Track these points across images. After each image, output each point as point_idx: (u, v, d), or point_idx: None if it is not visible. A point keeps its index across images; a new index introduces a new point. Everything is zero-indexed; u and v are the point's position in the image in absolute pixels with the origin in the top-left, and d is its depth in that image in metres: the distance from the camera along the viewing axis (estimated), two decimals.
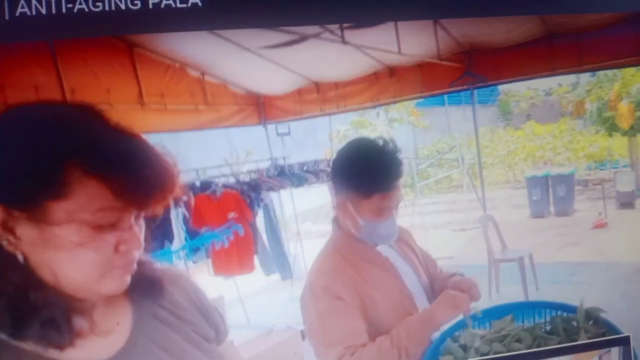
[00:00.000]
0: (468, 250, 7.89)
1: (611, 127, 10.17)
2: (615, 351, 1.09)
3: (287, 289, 5.27)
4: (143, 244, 0.89)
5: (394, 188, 1.61)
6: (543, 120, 16.30)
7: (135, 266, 0.89)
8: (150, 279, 0.96)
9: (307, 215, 9.15)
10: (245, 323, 5.27)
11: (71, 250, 0.79)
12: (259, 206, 5.01)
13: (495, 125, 18.29)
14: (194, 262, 4.72)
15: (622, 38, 4.18)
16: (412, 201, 8.96)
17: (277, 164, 5.71)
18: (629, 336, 1.10)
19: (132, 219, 0.86)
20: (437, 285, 1.85)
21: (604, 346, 1.10)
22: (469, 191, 9.47)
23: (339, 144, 12.32)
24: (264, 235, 5.17)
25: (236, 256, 4.66)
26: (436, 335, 1.60)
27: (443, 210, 11.42)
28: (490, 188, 13.13)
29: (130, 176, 0.81)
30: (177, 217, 4.32)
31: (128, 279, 0.89)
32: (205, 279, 5.16)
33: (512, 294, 5.40)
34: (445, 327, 1.62)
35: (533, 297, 5.28)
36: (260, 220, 5.19)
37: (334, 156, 1.68)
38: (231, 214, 4.66)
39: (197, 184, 4.73)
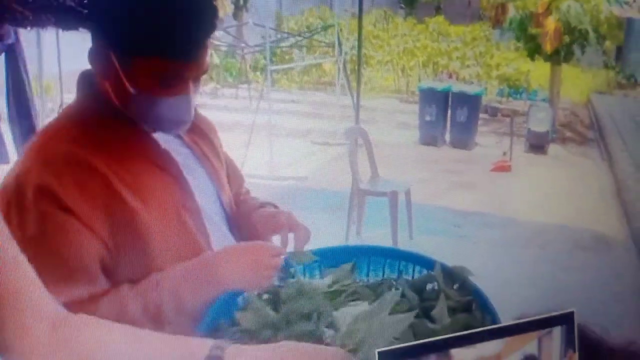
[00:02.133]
0: (329, 171, 7.79)
1: (535, 48, 10.77)
2: (557, 331, 1.08)
3: None
4: None
5: (195, 50, 1.37)
6: (455, 20, 16.91)
7: None
8: None
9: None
10: None
11: None
12: None
13: (394, 10, 18.61)
14: None
15: None
16: (260, 91, 8.67)
17: None
18: (572, 313, 1.07)
19: None
20: (240, 214, 1.70)
21: (544, 326, 1.07)
22: (344, 93, 9.36)
23: None
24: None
25: None
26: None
27: (304, 113, 11.44)
28: (372, 95, 13.38)
29: None
30: None
31: None
32: None
33: (377, 239, 5.43)
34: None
35: (404, 247, 5.34)
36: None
37: None
38: None
39: None
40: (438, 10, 18.17)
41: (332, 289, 1.40)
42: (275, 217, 1.61)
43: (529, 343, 1.04)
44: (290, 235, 1.60)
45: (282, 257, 1.44)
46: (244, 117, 8.11)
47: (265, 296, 1.40)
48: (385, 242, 5.25)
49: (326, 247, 1.56)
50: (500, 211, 6.89)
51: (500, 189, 7.80)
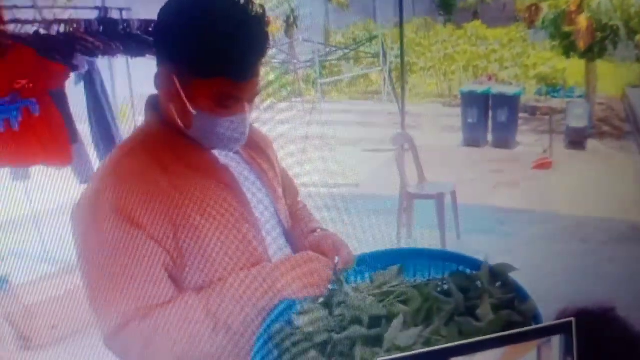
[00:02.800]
0: (379, 177, 7.85)
1: (569, 46, 10.58)
2: (556, 340, 1.06)
3: None
4: None
5: (250, 71, 1.42)
6: (492, 23, 16.65)
7: None
8: None
9: None
10: (41, 253, 4.81)
11: None
12: (68, 74, 4.20)
13: (434, 18, 18.37)
14: None
15: None
16: (312, 104, 8.70)
17: (107, 17, 4.79)
18: (571, 321, 1.05)
19: None
20: (295, 234, 1.71)
21: (543, 335, 1.07)
22: (390, 101, 9.35)
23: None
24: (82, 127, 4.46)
25: (35, 142, 3.98)
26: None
27: (354, 123, 11.38)
28: (417, 100, 13.27)
29: None
30: None
31: None
32: None
33: (427, 240, 5.47)
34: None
35: (452, 247, 5.26)
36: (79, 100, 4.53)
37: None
38: (21, 82, 3.89)
39: None
40: (475, 15, 17.92)
41: (382, 290, 1.43)
42: (323, 243, 1.60)
43: (528, 352, 1.04)
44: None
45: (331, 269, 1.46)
46: (298, 129, 8.14)
47: (321, 299, 1.45)
48: (435, 242, 5.28)
49: (375, 251, 1.59)
50: (542, 207, 6.83)
51: (542, 185, 7.73)
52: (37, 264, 4.39)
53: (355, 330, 1.33)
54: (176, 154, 1.46)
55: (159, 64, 1.45)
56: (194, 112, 1.40)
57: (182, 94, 1.40)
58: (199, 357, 1.40)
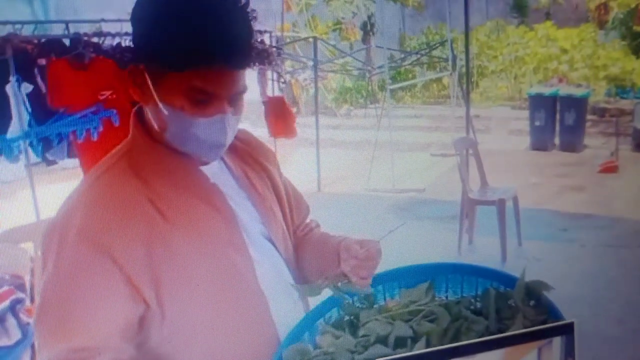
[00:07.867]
0: (445, 182, 7.37)
1: (639, 47, 9.85)
2: (557, 342, 0.99)
3: None
4: None
5: (222, 63, 1.11)
6: (563, 24, 15.68)
7: None
8: None
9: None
10: None
11: None
12: None
13: (507, 21, 17.40)
14: (48, 163, 3.79)
15: None
16: (382, 109, 8.27)
17: None
18: (572, 323, 0.98)
19: None
20: (309, 252, 1.42)
21: (544, 336, 0.99)
22: (459, 105, 8.89)
23: (297, 16, 11.16)
24: None
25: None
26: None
27: (424, 127, 10.90)
28: (488, 104, 12.64)
29: None
30: (16, 90, 3.39)
31: None
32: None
33: (488, 246, 5.03)
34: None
35: (513, 254, 4.96)
36: None
37: None
38: (105, 93, 3.73)
39: (67, 43, 3.75)
40: (548, 16, 16.94)
41: (409, 308, 1.26)
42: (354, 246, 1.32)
43: (529, 353, 0.97)
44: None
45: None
46: (371, 134, 7.89)
47: (347, 318, 1.29)
48: (495, 249, 4.88)
49: (406, 266, 1.38)
50: (607, 212, 6.23)
51: (608, 189, 7.05)
52: None
53: (377, 350, 1.16)
54: (162, 170, 1.19)
55: (129, 61, 1.17)
56: (165, 111, 1.13)
57: (153, 92, 1.13)
58: None
